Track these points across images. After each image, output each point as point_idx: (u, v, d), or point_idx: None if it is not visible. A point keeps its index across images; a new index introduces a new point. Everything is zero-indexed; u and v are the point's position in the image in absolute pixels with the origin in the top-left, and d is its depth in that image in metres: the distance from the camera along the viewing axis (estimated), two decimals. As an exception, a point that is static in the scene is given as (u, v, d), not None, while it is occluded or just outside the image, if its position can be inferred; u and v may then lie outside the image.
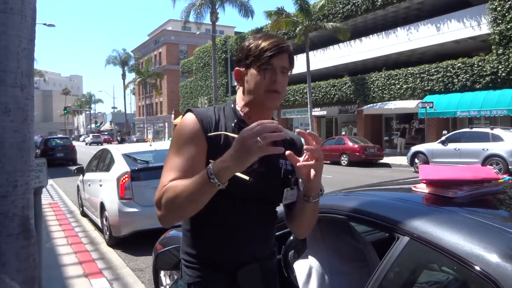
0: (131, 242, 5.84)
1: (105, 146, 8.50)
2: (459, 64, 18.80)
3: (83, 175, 7.91)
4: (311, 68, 24.03)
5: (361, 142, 19.16)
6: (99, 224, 6.57)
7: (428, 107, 17.43)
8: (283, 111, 30.43)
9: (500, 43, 17.09)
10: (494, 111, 16.93)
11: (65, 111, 68.08)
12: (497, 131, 12.97)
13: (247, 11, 28.08)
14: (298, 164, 1.23)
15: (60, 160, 21.27)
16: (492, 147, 12.63)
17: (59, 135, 37.87)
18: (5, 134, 1.22)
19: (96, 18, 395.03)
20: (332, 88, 25.98)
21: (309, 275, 1.98)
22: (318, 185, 1.30)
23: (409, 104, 20.29)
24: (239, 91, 1.43)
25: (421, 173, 1.72)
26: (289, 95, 28.38)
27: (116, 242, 5.92)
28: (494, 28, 17.25)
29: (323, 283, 1.96)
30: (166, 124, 54.43)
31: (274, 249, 1.51)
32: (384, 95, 22.34)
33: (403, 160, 17.44)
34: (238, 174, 1.16)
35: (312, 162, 1.22)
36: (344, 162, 18.62)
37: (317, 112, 26.95)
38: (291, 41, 22.57)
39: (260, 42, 1.32)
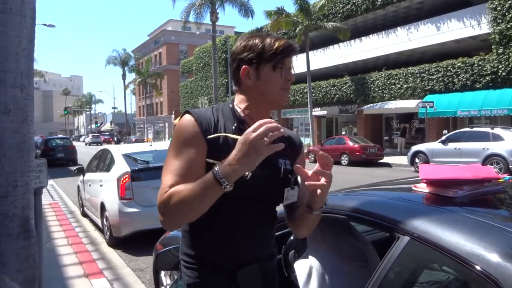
0: (131, 242, 5.84)
1: (105, 146, 8.50)
2: (459, 64, 18.79)
3: (83, 175, 7.91)
4: (311, 68, 24.03)
5: (361, 142, 19.16)
6: (100, 224, 6.57)
7: (428, 107, 17.42)
8: (283, 111, 30.42)
9: (500, 43, 17.09)
10: (494, 110, 16.92)
11: (66, 112, 68.19)
12: (498, 130, 12.96)
13: (247, 11, 28.07)
14: (306, 183, 1.24)
15: (60, 160, 21.27)
16: (492, 147, 12.63)
17: (60, 136, 37.85)
18: (5, 134, 1.22)
19: (96, 18, 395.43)
20: (332, 88, 25.97)
21: (309, 275, 1.98)
22: (323, 200, 1.31)
23: (410, 104, 20.29)
24: (240, 90, 1.42)
25: (421, 172, 1.72)
26: (289, 95, 28.19)
27: (116, 242, 5.92)
28: (494, 27, 17.24)
29: (323, 283, 1.96)
30: (167, 124, 54.45)
31: (274, 250, 1.51)
32: (384, 95, 22.34)
33: (403, 159, 17.44)
34: None
35: (320, 183, 1.23)
36: (344, 162, 18.61)
37: (317, 112, 26.94)
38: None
39: (273, 41, 1.34)
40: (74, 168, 8.54)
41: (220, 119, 1.36)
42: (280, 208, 1.49)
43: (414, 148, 15.65)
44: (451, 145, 13.87)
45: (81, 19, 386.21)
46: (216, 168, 1.14)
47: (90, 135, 61.62)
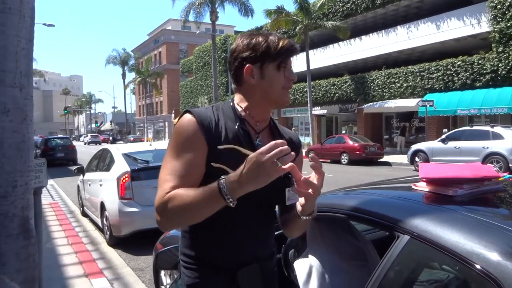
0: (131, 242, 5.85)
1: (105, 145, 8.50)
2: (459, 62, 18.79)
3: (83, 175, 7.91)
4: (311, 67, 24.03)
5: (361, 140, 19.15)
6: (100, 224, 6.57)
7: (428, 106, 17.42)
8: (283, 110, 30.40)
9: (500, 41, 17.08)
10: (494, 109, 16.91)
11: (65, 111, 68.21)
12: (498, 129, 12.95)
13: (246, 10, 28.06)
14: (295, 188, 1.22)
15: (60, 160, 21.27)
16: (492, 145, 12.63)
17: (60, 135, 37.87)
18: (4, 134, 1.21)
19: (96, 18, 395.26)
20: (332, 87, 25.97)
21: (309, 274, 1.98)
22: (311, 208, 1.30)
23: (410, 103, 20.28)
24: (240, 89, 1.41)
25: (421, 171, 1.71)
26: (289, 94, 28.32)
27: (116, 242, 5.92)
28: (494, 26, 17.23)
29: (323, 282, 1.96)
30: (166, 123, 54.44)
31: (273, 249, 1.51)
32: (384, 94, 22.33)
33: (403, 158, 17.44)
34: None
35: (306, 191, 1.20)
36: (344, 161, 18.61)
37: (317, 111, 26.94)
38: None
39: (277, 40, 1.34)
40: (74, 167, 8.54)
41: (221, 118, 1.35)
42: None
43: (414, 147, 15.65)
44: (451, 144, 13.87)
45: (81, 18, 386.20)
46: (222, 182, 1.12)
47: (89, 134, 61.77)
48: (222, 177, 1.13)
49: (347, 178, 12.93)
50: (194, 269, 1.38)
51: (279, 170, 1.07)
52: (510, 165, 11.99)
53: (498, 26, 17.08)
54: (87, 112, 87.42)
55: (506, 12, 16.79)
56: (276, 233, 1.56)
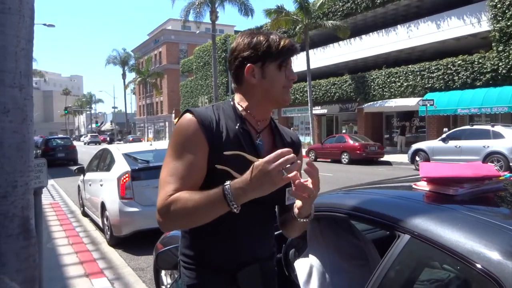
0: (132, 242, 5.85)
1: (104, 145, 8.50)
2: (459, 62, 18.78)
3: (84, 175, 7.91)
4: (311, 67, 24.04)
5: (361, 140, 19.15)
6: (100, 224, 6.57)
7: (428, 105, 17.41)
8: (284, 109, 30.40)
9: (500, 40, 17.06)
10: (494, 108, 16.91)
11: (66, 111, 68.21)
12: (498, 128, 12.95)
13: (246, 10, 28.06)
14: (292, 190, 1.20)
15: (61, 160, 21.28)
16: (493, 144, 12.62)
17: (60, 135, 37.86)
18: (4, 134, 1.21)
19: (96, 18, 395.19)
20: (332, 86, 25.96)
21: (309, 274, 1.98)
22: (308, 210, 1.30)
23: (410, 102, 20.27)
24: (241, 89, 1.40)
25: (421, 170, 1.71)
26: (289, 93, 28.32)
27: (117, 242, 5.92)
28: (494, 25, 17.22)
29: (324, 281, 1.96)
30: (167, 123, 54.46)
31: (273, 249, 1.51)
32: (384, 93, 22.33)
33: (403, 158, 17.44)
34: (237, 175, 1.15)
35: (302, 194, 1.19)
36: (344, 160, 18.61)
37: (318, 110, 26.94)
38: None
39: (278, 39, 1.33)
40: (74, 167, 8.55)
41: (222, 118, 1.34)
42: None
43: (415, 146, 15.64)
44: (452, 143, 13.87)
45: (81, 19, 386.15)
46: (227, 188, 1.12)
47: (89, 134, 61.95)
48: (227, 182, 1.13)
49: (347, 177, 12.93)
50: (194, 269, 1.37)
51: (284, 179, 1.08)
52: (510, 164, 11.98)
53: (498, 25, 17.06)
54: (88, 112, 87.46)
55: (506, 11, 16.77)
56: (276, 233, 1.56)
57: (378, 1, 22.16)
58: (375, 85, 22.87)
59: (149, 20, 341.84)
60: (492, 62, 17.36)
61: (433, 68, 19.90)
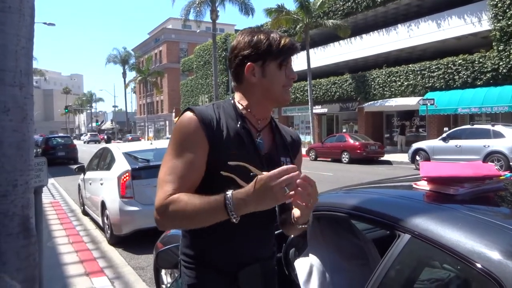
0: (132, 241, 5.85)
1: (104, 144, 8.50)
2: (460, 61, 18.76)
3: (84, 174, 7.92)
4: (312, 66, 24.03)
5: (362, 139, 19.15)
6: (100, 222, 6.58)
7: (429, 104, 17.40)
8: (284, 108, 30.41)
9: (501, 40, 17.05)
10: (495, 107, 16.90)
11: (66, 110, 68.19)
12: (498, 127, 12.94)
13: (247, 9, 28.06)
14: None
15: (61, 159, 21.28)
16: (493, 144, 12.61)
17: (60, 134, 37.84)
18: (4, 133, 1.21)
19: (96, 17, 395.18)
20: (332, 86, 25.95)
21: (310, 273, 1.98)
22: (307, 217, 1.30)
23: (410, 101, 20.27)
24: (241, 87, 1.40)
25: (422, 170, 1.71)
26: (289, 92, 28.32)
27: (117, 241, 5.92)
28: (495, 24, 17.20)
29: (324, 281, 1.96)
30: (167, 122, 54.48)
31: (274, 249, 1.51)
32: (385, 92, 22.32)
33: (404, 157, 17.43)
34: (240, 181, 1.14)
35: (300, 203, 1.16)
36: (345, 160, 18.61)
37: (318, 109, 26.93)
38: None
39: (278, 38, 1.33)
40: (75, 166, 8.55)
41: (222, 117, 1.34)
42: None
43: (415, 145, 15.64)
44: (452, 143, 13.86)
45: (81, 17, 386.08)
46: (229, 197, 1.12)
47: (89, 133, 62.03)
48: (229, 192, 1.13)
49: (347, 177, 12.92)
50: (195, 269, 1.37)
51: (287, 196, 1.08)
52: (511, 163, 11.97)
53: (499, 24, 17.04)
54: (88, 111, 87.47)
55: (507, 11, 16.75)
56: (276, 232, 1.56)
57: (379, 0, 22.13)
58: (376, 84, 22.85)
59: (150, 19, 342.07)
60: (493, 62, 17.34)
61: (433, 67, 19.89)
